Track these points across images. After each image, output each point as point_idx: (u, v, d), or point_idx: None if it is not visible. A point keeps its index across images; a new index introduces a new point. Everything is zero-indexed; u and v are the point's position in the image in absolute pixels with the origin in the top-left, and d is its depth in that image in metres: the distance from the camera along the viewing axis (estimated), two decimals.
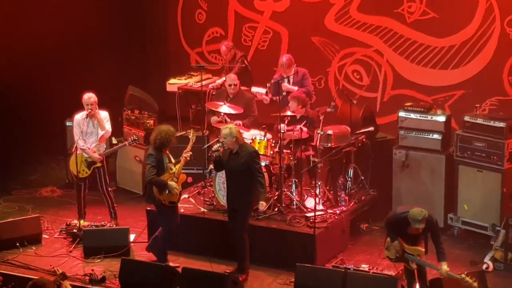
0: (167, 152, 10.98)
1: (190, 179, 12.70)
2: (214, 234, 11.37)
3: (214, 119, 12.50)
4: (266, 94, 12.66)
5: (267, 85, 12.56)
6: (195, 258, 11.24)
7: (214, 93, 13.46)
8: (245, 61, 13.86)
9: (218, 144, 10.67)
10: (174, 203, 11.00)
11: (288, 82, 12.70)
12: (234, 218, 10.73)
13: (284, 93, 12.48)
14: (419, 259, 9.71)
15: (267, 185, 11.20)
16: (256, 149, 11.08)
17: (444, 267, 9.59)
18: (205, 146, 12.29)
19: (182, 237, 11.26)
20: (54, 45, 14.55)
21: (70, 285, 9.58)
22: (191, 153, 11.01)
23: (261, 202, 10.65)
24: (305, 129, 11.75)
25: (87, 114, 11.93)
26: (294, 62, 12.67)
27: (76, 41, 14.83)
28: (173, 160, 11.00)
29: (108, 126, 12.11)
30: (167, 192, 10.83)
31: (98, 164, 12.04)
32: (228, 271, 10.76)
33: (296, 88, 12.52)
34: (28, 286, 8.90)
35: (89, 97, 11.92)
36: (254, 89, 12.97)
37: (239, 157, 10.58)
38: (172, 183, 10.85)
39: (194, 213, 11.56)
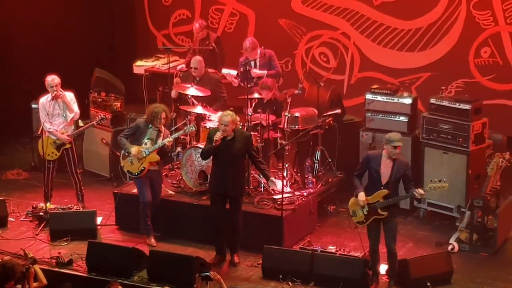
0: (163, 131, 11.10)
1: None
2: (182, 216, 11.36)
3: (174, 92, 12.64)
4: (236, 76, 12.63)
5: (237, 73, 12.56)
6: (165, 240, 11.25)
7: (180, 75, 13.41)
8: (213, 44, 13.80)
9: (218, 133, 10.35)
10: (132, 174, 11.14)
11: (255, 65, 12.68)
12: (231, 204, 10.58)
13: (255, 80, 12.47)
14: (385, 201, 9.81)
15: None
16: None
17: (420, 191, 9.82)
18: (173, 128, 12.24)
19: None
20: (19, 27, 14.40)
21: (40, 269, 9.51)
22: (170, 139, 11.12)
23: (273, 180, 10.54)
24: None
25: (52, 97, 11.84)
26: (258, 45, 12.64)
27: (41, 22, 14.68)
28: (161, 140, 11.02)
29: (75, 107, 12.04)
30: (128, 159, 11.03)
31: (67, 145, 11.98)
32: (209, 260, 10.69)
33: (265, 72, 12.49)
34: None
35: (52, 79, 11.83)
36: (225, 70, 12.94)
37: (235, 142, 10.45)
38: (133, 150, 10.96)
39: (162, 196, 11.51)
